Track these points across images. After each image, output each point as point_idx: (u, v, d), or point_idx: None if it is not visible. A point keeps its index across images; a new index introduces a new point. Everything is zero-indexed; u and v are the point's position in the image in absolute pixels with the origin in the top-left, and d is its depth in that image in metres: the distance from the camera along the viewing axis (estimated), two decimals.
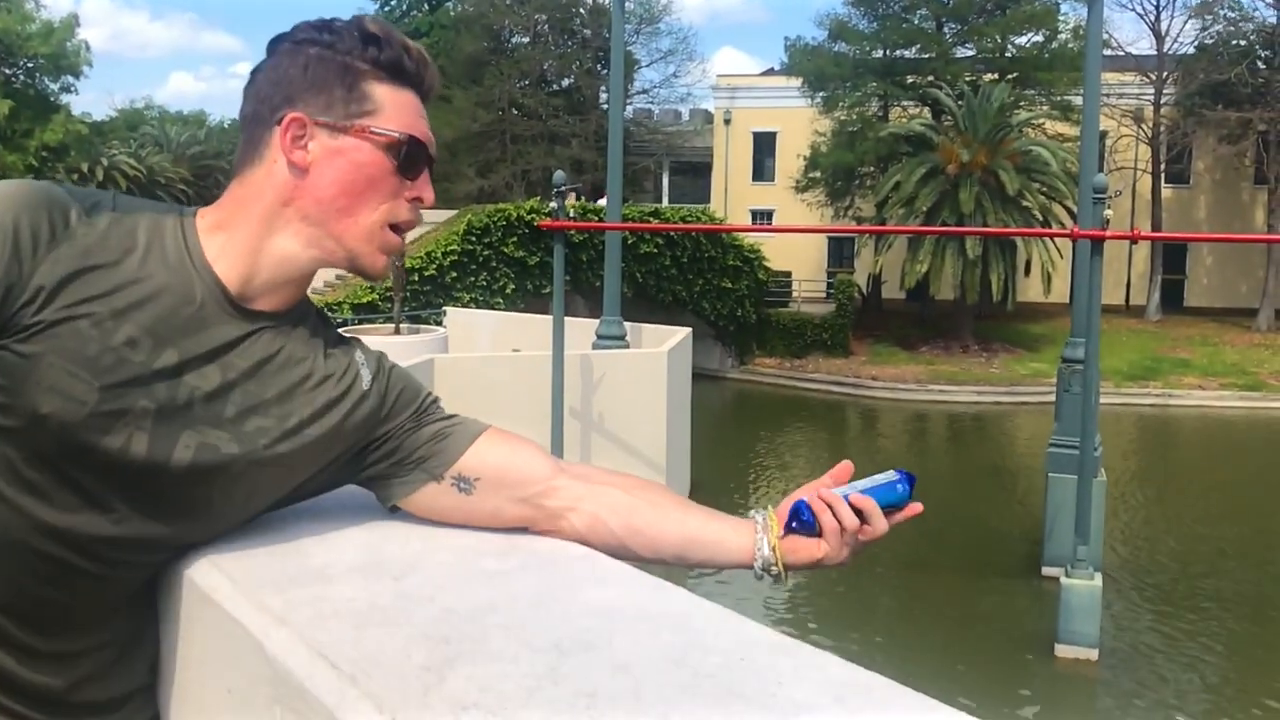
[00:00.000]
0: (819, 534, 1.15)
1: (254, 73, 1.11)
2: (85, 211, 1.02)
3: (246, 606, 0.97)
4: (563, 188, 11.36)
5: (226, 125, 54.98)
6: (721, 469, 17.46)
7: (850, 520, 1.15)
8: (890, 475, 1.19)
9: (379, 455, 1.16)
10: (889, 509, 1.17)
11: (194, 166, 41.82)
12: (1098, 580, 10.01)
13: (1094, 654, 9.86)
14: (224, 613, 0.99)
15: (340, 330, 1.21)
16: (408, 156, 1.09)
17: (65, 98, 37.62)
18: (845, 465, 1.21)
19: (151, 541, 1.06)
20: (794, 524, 1.15)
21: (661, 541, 1.17)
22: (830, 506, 1.15)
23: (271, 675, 0.89)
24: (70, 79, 37.15)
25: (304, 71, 1.08)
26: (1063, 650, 9.90)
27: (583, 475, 1.19)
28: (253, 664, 0.92)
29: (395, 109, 1.09)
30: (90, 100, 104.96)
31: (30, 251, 0.97)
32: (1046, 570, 11.66)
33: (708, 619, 0.92)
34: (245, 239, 1.08)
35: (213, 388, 1.04)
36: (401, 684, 0.79)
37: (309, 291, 1.19)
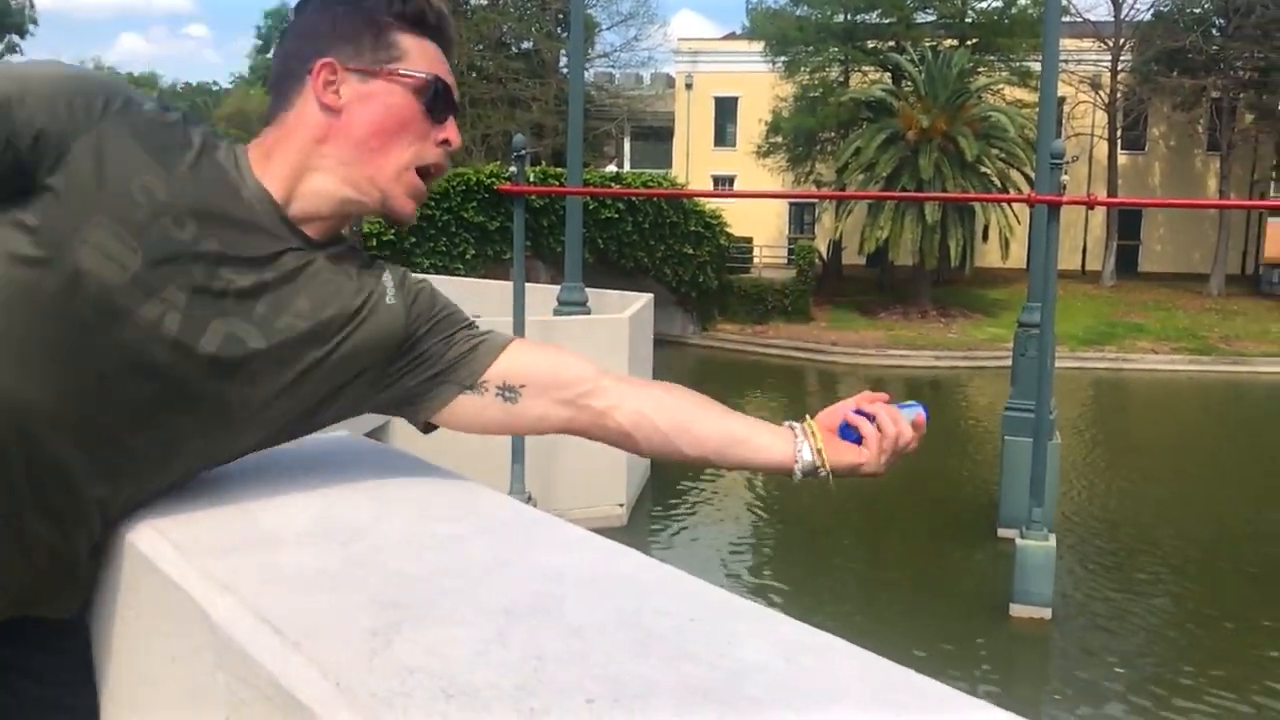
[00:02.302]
0: (860, 442, 1.22)
1: (282, 36, 1.19)
2: (160, 106, 1.07)
3: (190, 573, 0.95)
4: (523, 152, 11.24)
5: (180, 89, 53.83)
6: None
7: (889, 428, 1.21)
8: (911, 404, 1.26)
9: (406, 371, 1.18)
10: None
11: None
12: (1052, 541, 10.17)
13: (1047, 613, 10.04)
14: (167, 579, 0.97)
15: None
16: (435, 97, 1.15)
17: (10, 58, 36.61)
18: (877, 395, 1.27)
19: (166, 443, 1.04)
20: (843, 435, 1.23)
21: (705, 439, 1.20)
22: (872, 417, 1.22)
23: (215, 642, 0.87)
24: (15, 38, 36.16)
25: (332, 26, 1.13)
26: (1017, 610, 10.07)
27: (625, 379, 1.23)
28: (196, 631, 0.90)
29: (421, 56, 1.15)
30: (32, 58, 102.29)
31: (101, 104, 1.00)
32: (1002, 531, 11.83)
33: (661, 581, 0.92)
34: (285, 166, 1.12)
35: (248, 285, 1.06)
36: (347, 649, 0.78)
37: None
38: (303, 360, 1.09)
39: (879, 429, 1.21)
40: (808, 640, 0.80)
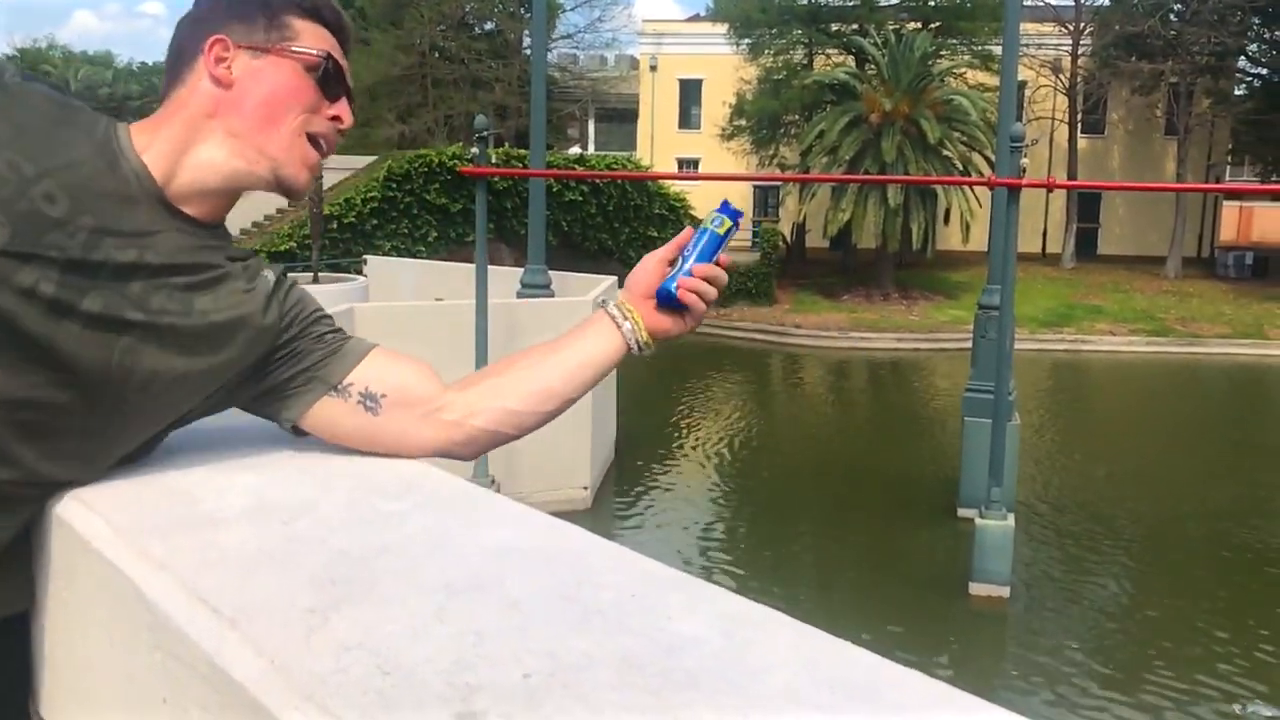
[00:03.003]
0: (685, 312, 1.27)
1: (179, 23, 1.18)
2: (23, 78, 1.08)
3: (127, 554, 0.94)
4: (485, 133, 11.16)
5: (135, 68, 52.92)
6: (647, 417, 17.56)
7: (711, 296, 1.26)
8: (718, 219, 1.28)
9: (277, 365, 1.17)
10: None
11: (103, 109, 40.24)
12: (1010, 520, 10.32)
13: (1006, 591, 10.20)
14: (105, 560, 0.96)
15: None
16: (326, 75, 1.16)
17: None
18: (687, 230, 1.30)
19: (52, 409, 1.03)
20: (662, 305, 1.27)
21: (552, 389, 1.23)
22: (697, 291, 1.25)
23: (152, 621, 0.86)
24: None
25: (228, 7, 1.15)
26: (976, 588, 10.22)
27: (459, 384, 1.24)
28: (134, 612, 0.89)
29: (313, 37, 1.17)
30: None
31: None
32: (962, 512, 11.99)
33: (603, 557, 0.92)
34: (170, 141, 1.11)
35: (125, 261, 1.05)
36: (284, 628, 0.78)
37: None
38: (185, 352, 1.08)
39: (701, 296, 1.25)
40: (746, 613, 0.80)
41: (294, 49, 1.15)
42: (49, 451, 1.05)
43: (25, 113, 1.04)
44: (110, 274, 1.04)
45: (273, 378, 1.18)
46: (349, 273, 18.45)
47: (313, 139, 1.16)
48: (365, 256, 19.96)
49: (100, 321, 1.03)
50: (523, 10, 37.47)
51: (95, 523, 1.01)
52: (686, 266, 1.25)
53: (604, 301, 1.26)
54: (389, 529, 0.98)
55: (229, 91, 1.12)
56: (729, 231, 1.27)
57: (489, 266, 11.38)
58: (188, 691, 0.81)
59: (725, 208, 1.28)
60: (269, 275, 1.18)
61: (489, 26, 39.21)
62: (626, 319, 1.26)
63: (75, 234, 1.02)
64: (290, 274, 1.28)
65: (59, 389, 1.03)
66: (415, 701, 0.67)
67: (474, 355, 10.98)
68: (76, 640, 1.05)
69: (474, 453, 1.23)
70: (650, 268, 1.28)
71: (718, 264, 1.27)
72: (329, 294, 13.60)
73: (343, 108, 1.18)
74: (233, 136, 1.12)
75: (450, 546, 0.94)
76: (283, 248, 20.91)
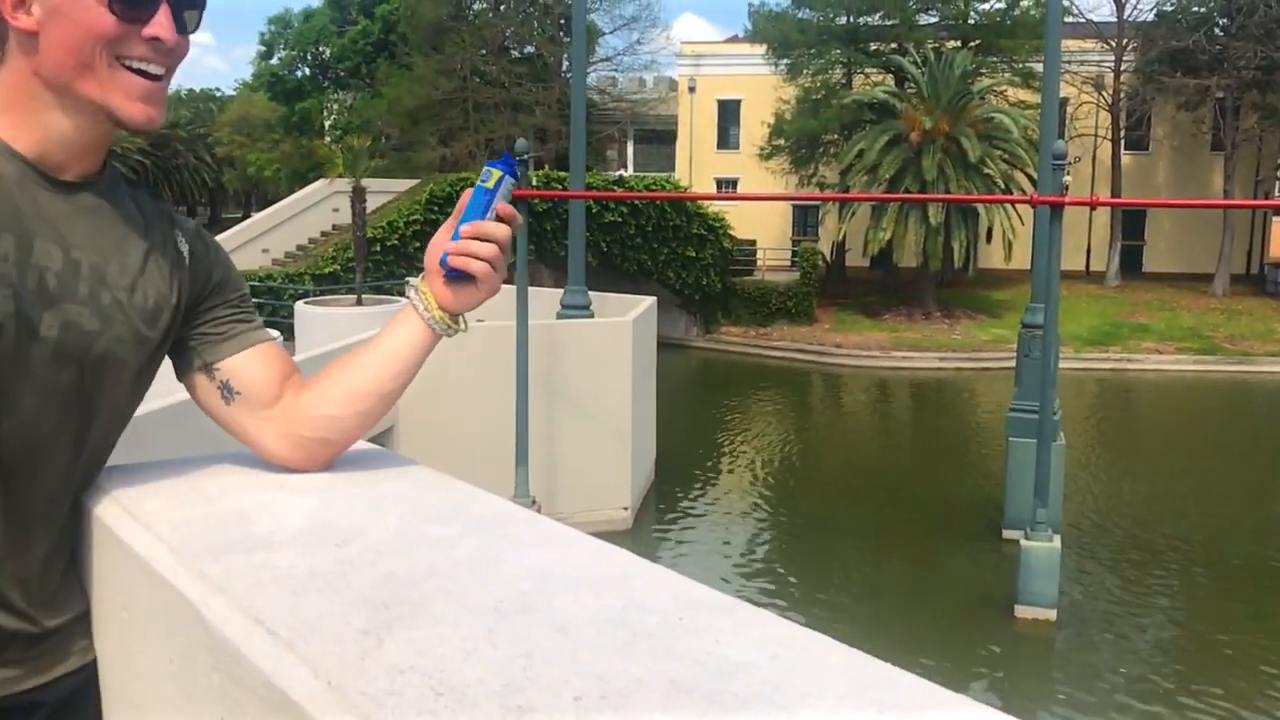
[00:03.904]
0: (475, 280, 1.19)
1: None
2: None
3: (185, 575, 0.96)
4: (526, 156, 11.28)
5: (184, 95, 53.99)
6: (687, 437, 17.53)
7: (490, 253, 1.18)
8: (486, 173, 1.19)
9: (181, 328, 1.19)
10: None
11: (149, 136, 41.07)
12: (1056, 542, 10.18)
13: (1052, 614, 10.05)
14: (163, 582, 0.98)
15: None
16: (115, 1, 1.03)
17: None
18: (465, 193, 1.21)
19: (39, 443, 1.05)
20: (448, 277, 1.19)
21: (364, 389, 1.21)
22: (466, 254, 1.18)
23: (210, 643, 0.88)
24: None
25: None
26: (1022, 611, 10.09)
27: (293, 386, 1.23)
28: (192, 632, 0.92)
29: None
30: None
31: None
32: (1007, 533, 11.85)
33: (649, 580, 0.93)
34: (23, 118, 1.05)
35: (59, 266, 1.04)
36: (339, 648, 0.79)
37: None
38: (137, 338, 1.11)
39: (485, 260, 1.18)
40: (793, 637, 0.80)
41: None
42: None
43: None
44: (54, 283, 1.04)
45: (175, 335, 1.19)
46: (391, 295, 18.66)
47: (137, 69, 1.05)
48: (408, 279, 20.18)
49: (61, 350, 1.04)
50: (562, 34, 37.84)
51: (153, 544, 1.04)
52: (457, 231, 1.18)
53: (413, 288, 1.23)
54: (438, 552, 1.00)
55: (37, 41, 1.03)
56: (499, 182, 1.18)
57: (529, 287, 11.46)
58: (245, 711, 0.83)
59: (500, 161, 1.19)
60: (181, 236, 1.18)
61: (529, 51, 39.61)
62: (425, 303, 1.21)
63: (4, 262, 1.00)
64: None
65: (34, 424, 1.05)
66: None
67: (514, 375, 11.06)
68: (135, 656, 1.08)
69: (312, 462, 1.21)
70: (438, 241, 1.20)
71: (499, 218, 1.18)
72: (372, 316, 13.75)
73: (157, 25, 1.04)
74: (60, 94, 1.04)
75: (498, 569, 0.95)
76: (326, 270, 21.19)
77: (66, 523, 1.13)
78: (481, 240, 1.17)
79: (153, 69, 1.06)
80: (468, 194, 1.19)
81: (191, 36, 1.10)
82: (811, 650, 0.79)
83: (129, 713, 1.11)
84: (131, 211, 1.14)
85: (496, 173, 1.18)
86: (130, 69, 1.05)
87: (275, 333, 1.26)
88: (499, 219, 1.19)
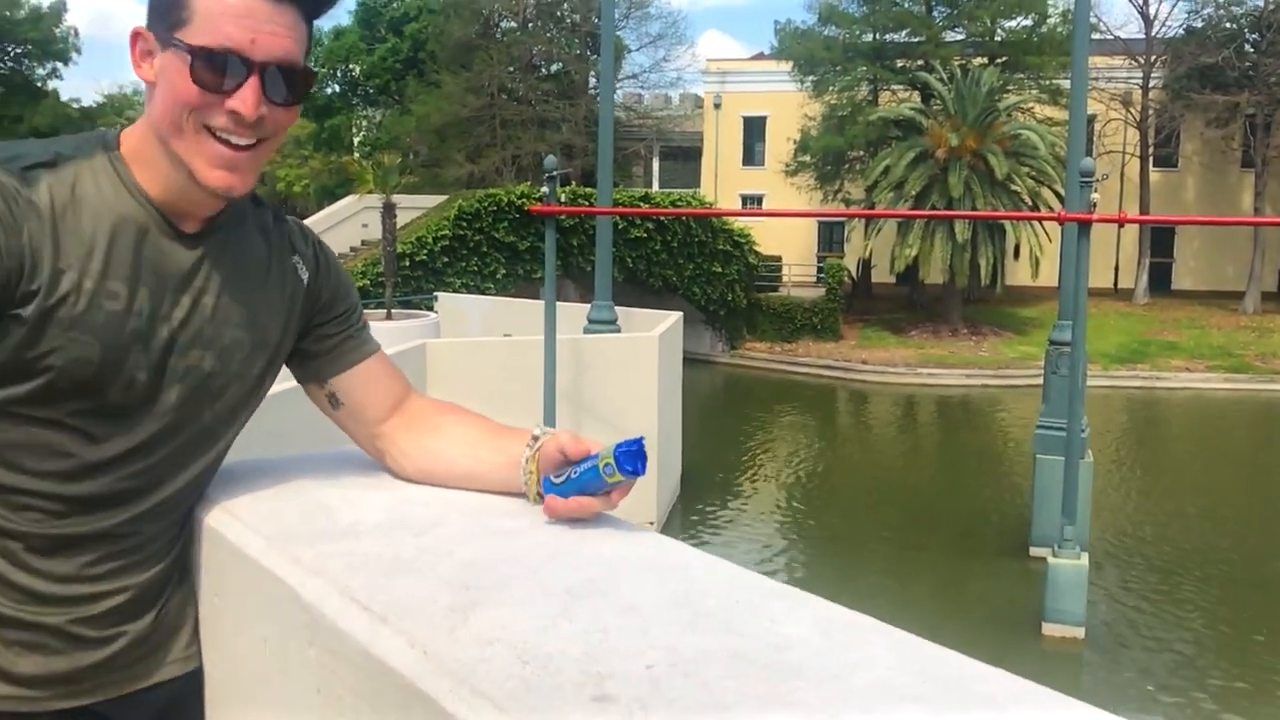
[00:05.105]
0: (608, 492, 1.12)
1: None
2: (24, 183, 1.03)
3: (280, 560, 1.05)
4: (553, 173, 11.40)
5: None
6: (712, 452, 17.57)
7: (583, 512, 1.12)
8: (610, 468, 1.10)
9: (300, 343, 1.28)
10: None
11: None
12: (1084, 559, 10.14)
13: (1080, 632, 10.00)
14: (259, 567, 1.07)
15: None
16: (198, 71, 1.03)
17: (51, 83, 37.41)
18: (594, 447, 1.15)
19: (167, 474, 1.15)
20: (625, 469, 1.10)
21: (468, 474, 1.24)
22: (566, 510, 1.13)
23: (308, 621, 0.97)
24: (59, 65, 36.96)
25: None
26: (1049, 629, 10.04)
27: (408, 423, 1.29)
28: (288, 612, 1.00)
29: (206, 17, 1.03)
30: (75, 86, 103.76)
31: (4, 235, 1.01)
32: (1034, 550, 11.80)
33: (705, 567, 1.01)
34: (148, 165, 1.10)
35: (184, 314, 1.13)
36: (429, 622, 0.87)
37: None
38: (253, 375, 1.20)
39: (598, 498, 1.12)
40: (843, 618, 0.88)
41: (177, 40, 1.04)
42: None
43: (56, 212, 1.05)
44: (181, 331, 1.13)
45: (300, 343, 1.28)
46: (421, 309, 18.84)
47: (221, 138, 1.07)
48: (436, 294, 20.36)
49: (186, 393, 1.14)
50: (589, 52, 38.13)
51: (246, 534, 1.13)
52: (561, 486, 1.13)
53: (541, 433, 1.19)
54: (510, 542, 1.08)
55: (154, 90, 1.08)
56: (617, 484, 1.11)
57: (556, 303, 11.57)
58: (342, 681, 0.91)
59: (629, 460, 1.09)
60: (300, 261, 1.24)
61: (556, 68, 39.91)
62: (526, 471, 1.18)
63: (140, 315, 1.09)
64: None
65: (164, 453, 1.16)
66: (554, 686, 0.76)
67: (542, 389, 11.15)
68: (228, 637, 1.17)
69: (403, 475, 1.30)
70: (550, 453, 1.16)
71: (609, 497, 1.12)
72: (401, 331, 13.91)
73: (239, 100, 1.05)
74: (164, 145, 1.08)
75: (567, 558, 1.04)
76: (356, 285, 21.39)
77: (179, 532, 1.22)
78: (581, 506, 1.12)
79: (235, 140, 1.07)
80: (593, 450, 1.13)
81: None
82: (861, 629, 0.86)
83: (223, 689, 1.20)
84: (255, 246, 1.21)
85: (619, 476, 1.10)
86: (216, 136, 1.07)
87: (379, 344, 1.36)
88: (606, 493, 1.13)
